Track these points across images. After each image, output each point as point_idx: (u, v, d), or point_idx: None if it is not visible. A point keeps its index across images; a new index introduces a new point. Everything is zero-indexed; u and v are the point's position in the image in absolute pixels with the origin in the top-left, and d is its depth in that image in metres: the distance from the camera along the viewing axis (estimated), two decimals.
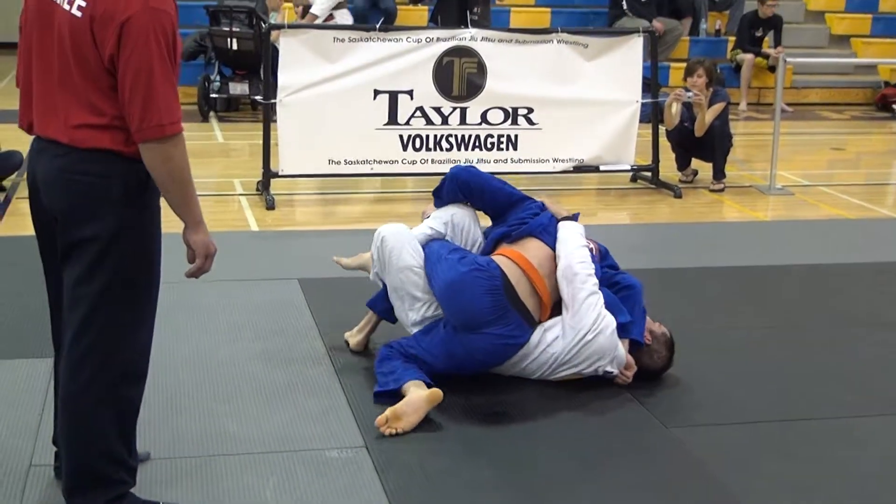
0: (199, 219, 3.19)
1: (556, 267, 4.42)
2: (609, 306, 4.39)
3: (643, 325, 4.51)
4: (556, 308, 4.44)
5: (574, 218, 4.63)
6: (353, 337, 4.82)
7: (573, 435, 4.08)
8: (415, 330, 4.47)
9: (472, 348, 4.28)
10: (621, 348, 4.38)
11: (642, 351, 4.50)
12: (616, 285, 4.55)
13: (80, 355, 3.14)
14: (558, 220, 4.57)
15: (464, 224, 4.71)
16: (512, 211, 4.69)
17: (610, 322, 4.34)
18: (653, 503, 3.61)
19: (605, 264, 4.63)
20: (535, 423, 4.15)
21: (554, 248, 4.47)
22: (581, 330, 4.31)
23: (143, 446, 3.83)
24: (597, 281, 4.39)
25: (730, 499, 3.63)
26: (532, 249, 4.48)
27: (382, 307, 4.70)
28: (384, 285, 4.64)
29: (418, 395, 4.11)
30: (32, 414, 4.07)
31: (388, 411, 4.04)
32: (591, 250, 4.50)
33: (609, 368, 4.39)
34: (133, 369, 3.26)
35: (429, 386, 4.19)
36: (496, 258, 4.41)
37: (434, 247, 4.51)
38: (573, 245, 4.44)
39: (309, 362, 4.68)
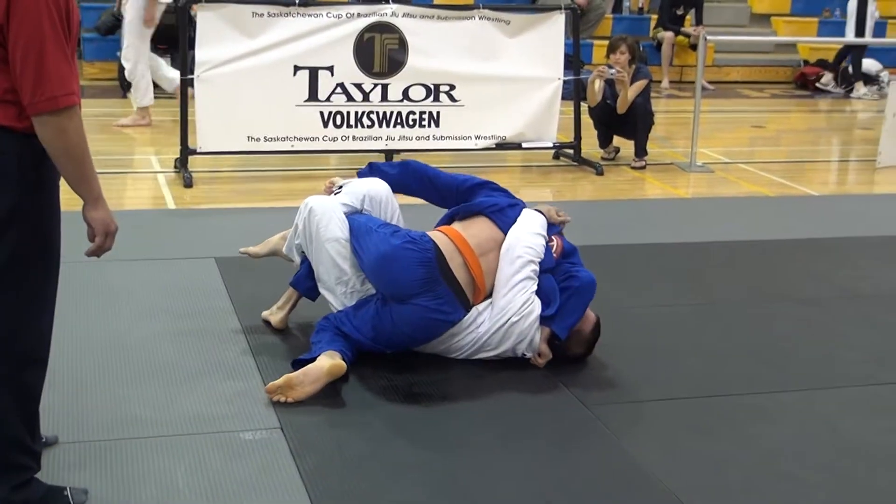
0: (98, 194, 3.05)
1: (499, 249, 4.39)
2: (544, 294, 4.36)
3: (573, 320, 4.41)
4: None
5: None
6: (275, 315, 4.73)
7: (494, 415, 4.04)
8: (339, 302, 4.40)
9: (400, 320, 4.23)
10: (537, 336, 4.36)
11: (569, 336, 4.47)
12: (567, 278, 4.45)
13: None
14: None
15: (381, 197, 4.63)
16: (471, 195, 4.65)
17: (535, 309, 4.33)
18: (572, 481, 3.58)
19: (568, 261, 4.55)
20: (456, 404, 4.10)
21: (504, 232, 4.43)
22: (508, 312, 4.30)
23: (49, 430, 3.73)
24: (536, 269, 4.35)
25: (647, 475, 3.61)
26: (475, 228, 4.46)
27: (306, 286, 4.63)
28: (306, 263, 4.56)
29: (319, 366, 4.04)
30: None
31: (282, 379, 3.99)
32: (548, 244, 4.46)
33: (526, 352, 4.38)
34: (33, 355, 3.13)
35: (347, 360, 4.13)
36: (431, 233, 4.38)
37: (360, 220, 4.44)
38: (525, 230, 4.42)
39: (224, 343, 4.59)
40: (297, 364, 4.17)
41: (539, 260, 4.38)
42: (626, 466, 3.68)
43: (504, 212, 4.51)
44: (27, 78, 2.80)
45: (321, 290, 4.51)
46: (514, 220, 4.49)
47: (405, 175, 4.78)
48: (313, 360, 4.11)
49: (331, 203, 4.50)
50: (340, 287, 4.40)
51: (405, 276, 4.17)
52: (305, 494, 3.39)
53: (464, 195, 4.66)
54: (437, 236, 4.34)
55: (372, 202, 4.60)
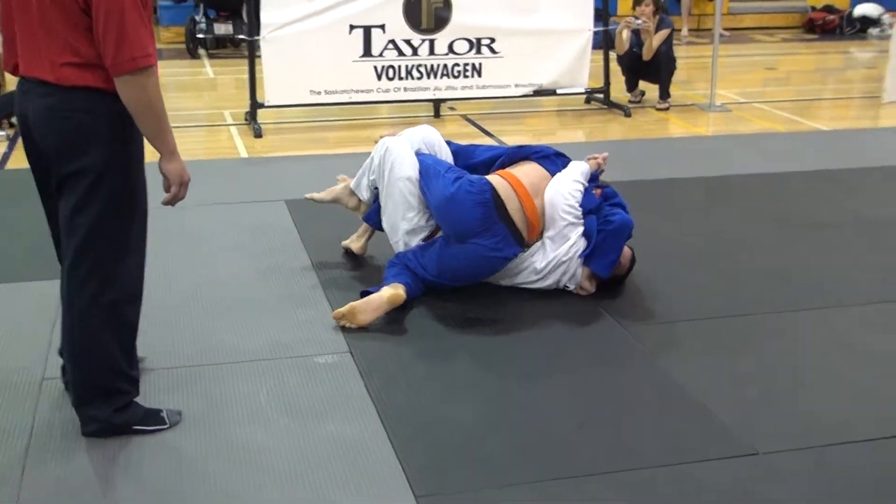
0: (173, 148, 3.05)
1: None
2: (587, 233, 4.31)
3: (611, 259, 4.31)
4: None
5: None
6: (355, 242, 4.74)
7: (540, 338, 4.00)
8: (404, 239, 4.37)
9: (462, 258, 4.20)
10: (580, 271, 4.30)
11: None
12: (605, 221, 4.35)
13: (78, 283, 3.04)
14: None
15: (433, 142, 4.58)
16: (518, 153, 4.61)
17: (579, 249, 4.27)
18: (612, 396, 3.54)
19: (611, 202, 4.47)
20: (506, 329, 4.06)
21: (552, 174, 4.37)
22: (558, 254, 4.26)
23: (143, 356, 3.75)
24: (577, 213, 4.27)
25: (680, 389, 3.56)
26: (525, 171, 4.39)
27: (376, 220, 4.58)
28: (377, 201, 4.51)
29: (380, 295, 4.02)
30: (44, 332, 3.95)
31: (347, 306, 3.97)
32: (587, 189, 4.39)
33: (569, 285, 4.33)
34: (129, 293, 3.15)
35: (409, 291, 4.11)
36: (489, 177, 4.32)
37: (429, 161, 4.40)
38: (567, 178, 4.35)
39: (296, 276, 4.57)
40: (364, 294, 4.14)
41: (577, 204, 4.30)
42: (660, 381, 3.63)
43: (550, 158, 4.45)
44: (110, 42, 2.80)
45: (384, 226, 4.47)
46: (561, 168, 4.42)
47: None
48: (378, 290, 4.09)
49: (405, 144, 4.45)
50: (405, 223, 4.36)
51: (466, 217, 4.12)
52: (374, 411, 3.38)
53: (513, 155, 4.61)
54: (495, 179, 4.28)
55: (428, 147, 4.54)
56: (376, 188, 4.51)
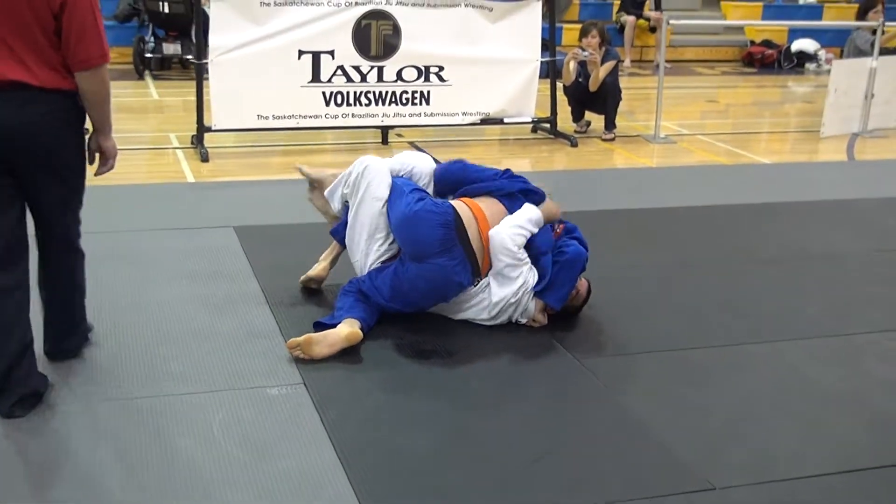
0: (111, 127, 3.60)
1: None
2: (541, 269, 4.30)
3: (565, 291, 4.33)
4: None
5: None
6: (318, 266, 4.64)
7: (495, 370, 3.98)
8: (364, 259, 4.33)
9: (417, 277, 4.16)
10: (532, 306, 4.30)
11: None
12: (558, 252, 4.37)
13: (73, 238, 3.67)
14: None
15: (421, 176, 4.55)
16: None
17: (528, 285, 4.25)
18: (568, 429, 3.53)
19: (569, 236, 4.48)
20: (460, 360, 4.03)
21: (510, 212, 4.33)
22: (506, 296, 4.23)
23: (91, 387, 3.67)
24: (519, 256, 4.23)
25: (637, 423, 3.56)
26: (486, 203, 4.36)
27: (342, 235, 4.51)
28: (345, 216, 4.46)
29: (337, 333, 3.98)
30: None
31: (303, 337, 3.92)
32: (546, 228, 4.38)
33: (521, 319, 4.33)
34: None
35: (365, 328, 4.06)
36: (452, 202, 4.31)
37: (398, 182, 4.38)
38: (512, 222, 4.26)
39: (246, 304, 4.50)
40: (319, 326, 4.09)
41: (517, 247, 4.22)
42: (616, 415, 3.63)
43: (514, 196, 4.40)
44: (83, 45, 3.31)
45: (347, 242, 4.42)
46: (517, 204, 4.37)
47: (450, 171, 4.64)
48: (334, 324, 4.05)
49: (383, 165, 4.42)
50: (370, 243, 4.31)
51: (427, 235, 4.11)
52: (329, 443, 3.33)
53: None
54: (458, 204, 4.27)
55: (413, 175, 4.52)
56: (347, 203, 4.46)
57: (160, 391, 3.65)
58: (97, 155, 3.63)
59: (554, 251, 4.37)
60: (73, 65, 3.31)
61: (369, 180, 4.34)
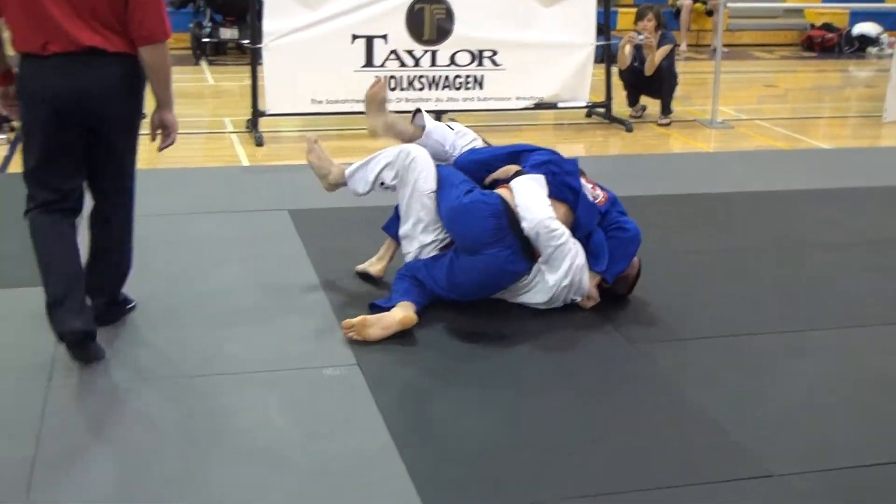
0: (173, 102, 3.85)
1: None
2: (594, 247, 4.28)
3: (621, 268, 4.32)
4: None
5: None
6: (374, 265, 4.61)
7: (548, 353, 3.97)
8: (421, 251, 4.30)
9: (472, 270, 4.14)
10: (586, 282, 4.26)
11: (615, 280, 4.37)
12: (616, 228, 4.35)
13: (127, 198, 3.95)
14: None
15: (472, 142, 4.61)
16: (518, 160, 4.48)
17: (580, 264, 4.20)
18: (622, 414, 3.51)
19: (615, 209, 4.44)
20: (513, 343, 4.02)
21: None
22: (558, 280, 4.19)
23: (148, 366, 3.72)
24: (563, 234, 4.15)
25: (688, 406, 3.53)
26: None
27: (395, 230, 4.49)
28: (396, 209, 4.45)
29: (392, 316, 3.98)
30: (48, 337, 3.89)
31: (358, 318, 3.93)
32: (591, 206, 4.33)
33: (575, 296, 4.28)
34: None
35: (419, 311, 4.07)
36: (499, 191, 4.25)
37: (444, 172, 4.34)
38: (537, 200, 4.16)
39: (301, 286, 4.53)
40: (374, 308, 4.11)
41: (556, 228, 4.13)
42: (672, 400, 3.60)
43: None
44: (147, 20, 3.62)
45: (401, 235, 4.39)
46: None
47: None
48: (389, 308, 4.06)
49: (428, 156, 4.37)
50: (424, 235, 4.29)
51: (478, 227, 4.08)
52: (383, 424, 3.34)
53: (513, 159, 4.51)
54: (505, 193, 4.22)
55: (458, 145, 4.57)
56: (384, 188, 4.42)
57: (217, 370, 3.70)
58: (160, 130, 3.87)
59: (611, 225, 4.34)
60: (136, 39, 3.64)
61: (417, 174, 4.30)
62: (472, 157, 4.50)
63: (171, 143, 3.91)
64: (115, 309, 4.08)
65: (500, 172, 4.34)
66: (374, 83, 4.81)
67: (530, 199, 4.16)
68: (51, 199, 3.74)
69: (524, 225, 4.12)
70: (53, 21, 3.55)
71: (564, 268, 4.19)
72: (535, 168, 4.30)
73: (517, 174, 4.27)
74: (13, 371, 3.65)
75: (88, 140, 3.74)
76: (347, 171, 4.52)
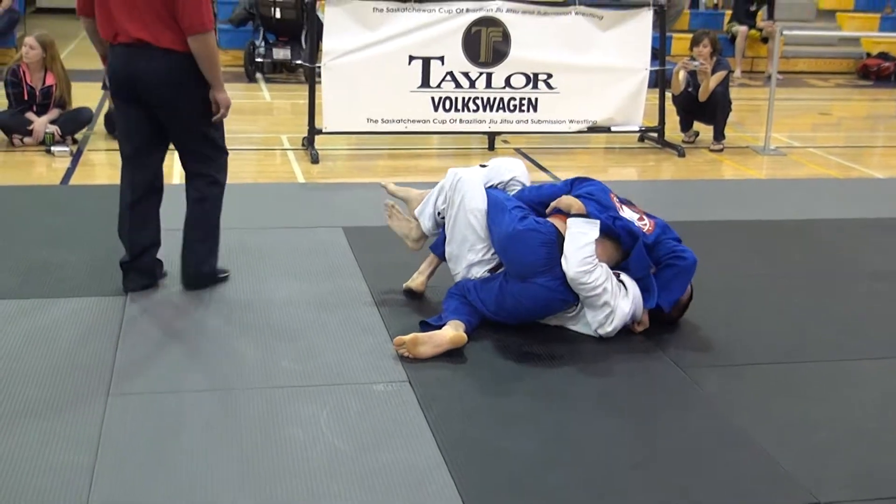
0: (223, 83, 4.42)
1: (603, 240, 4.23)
2: (643, 285, 4.28)
3: (677, 296, 4.36)
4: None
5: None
6: (416, 280, 4.67)
7: (596, 374, 4.00)
8: (467, 271, 4.35)
9: (521, 296, 4.18)
10: (639, 311, 4.28)
11: None
12: (674, 257, 4.36)
13: (200, 173, 4.58)
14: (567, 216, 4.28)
15: (522, 184, 4.62)
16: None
17: (624, 312, 4.21)
18: (669, 438, 3.53)
19: (667, 237, 4.43)
20: (561, 363, 4.06)
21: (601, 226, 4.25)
22: (598, 319, 4.23)
23: (208, 378, 3.81)
24: (598, 283, 4.13)
25: (735, 432, 3.55)
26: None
27: (442, 250, 4.55)
28: (443, 230, 4.50)
29: (443, 334, 4.04)
30: (108, 347, 4.01)
31: (410, 336, 3.99)
32: (644, 229, 4.35)
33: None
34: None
35: (469, 330, 4.12)
36: (552, 220, 4.29)
37: (499, 196, 4.38)
38: (577, 250, 4.12)
39: (354, 302, 4.61)
40: (425, 325, 4.17)
41: (589, 273, 4.11)
42: (720, 425, 3.61)
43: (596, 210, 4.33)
44: (189, 14, 4.21)
45: (447, 256, 4.46)
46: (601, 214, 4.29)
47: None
48: (440, 326, 4.12)
49: (477, 176, 4.45)
50: (471, 255, 4.34)
51: (530, 255, 4.12)
52: (433, 439, 3.40)
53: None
54: (557, 222, 4.26)
55: (513, 184, 4.58)
56: (442, 217, 4.52)
57: (272, 384, 3.77)
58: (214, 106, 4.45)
59: (669, 254, 4.35)
60: (183, 30, 4.23)
61: (463, 193, 4.35)
62: (532, 197, 4.51)
63: (222, 117, 4.47)
64: (203, 278, 4.67)
65: (563, 205, 4.31)
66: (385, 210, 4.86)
67: (571, 247, 4.12)
68: (128, 154, 4.53)
69: (563, 264, 4.13)
70: (115, 16, 4.28)
71: (605, 313, 4.20)
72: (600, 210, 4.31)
73: (577, 214, 4.24)
74: (74, 379, 3.75)
75: (154, 118, 4.44)
76: (416, 210, 4.64)
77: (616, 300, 4.20)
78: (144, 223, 4.58)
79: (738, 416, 3.66)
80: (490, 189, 4.45)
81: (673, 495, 3.13)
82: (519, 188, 4.58)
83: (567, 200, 4.32)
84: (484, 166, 4.64)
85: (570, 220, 4.20)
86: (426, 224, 4.62)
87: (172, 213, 4.72)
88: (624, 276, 4.30)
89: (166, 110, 4.41)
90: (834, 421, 3.67)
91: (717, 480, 3.23)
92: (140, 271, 4.59)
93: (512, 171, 4.62)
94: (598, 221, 4.20)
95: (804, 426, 3.62)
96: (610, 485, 3.18)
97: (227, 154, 4.66)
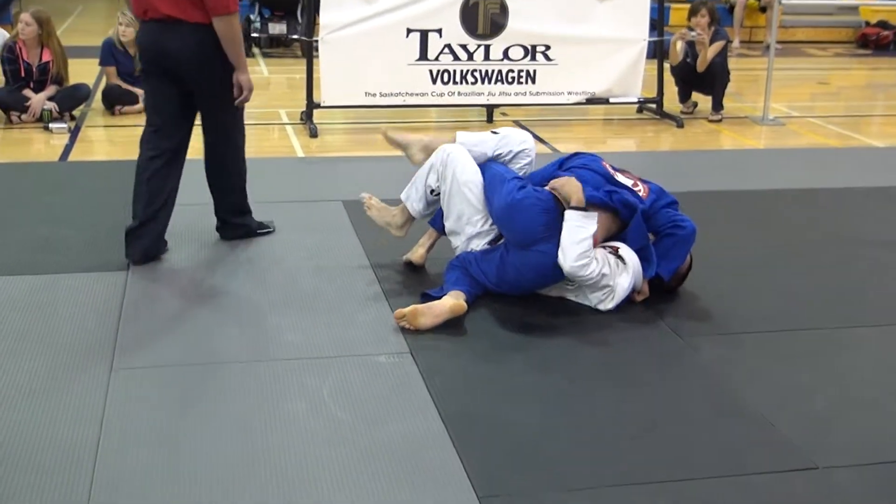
0: (246, 64, 4.61)
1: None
2: (642, 255, 4.29)
3: (677, 264, 4.38)
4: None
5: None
6: (415, 252, 4.69)
7: (597, 343, 4.03)
8: (467, 244, 4.38)
9: (523, 265, 4.19)
10: (640, 280, 4.29)
11: None
12: (673, 226, 4.38)
13: (225, 136, 4.86)
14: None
15: (530, 156, 4.60)
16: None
17: (622, 285, 4.23)
18: (670, 405, 3.56)
19: (663, 203, 4.43)
20: (561, 332, 4.09)
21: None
22: (597, 296, 4.26)
23: (210, 352, 3.83)
24: (600, 273, 4.15)
25: (734, 399, 3.58)
26: None
27: (440, 224, 4.57)
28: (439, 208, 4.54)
29: (442, 304, 4.06)
30: (110, 322, 4.03)
31: (410, 308, 4.01)
32: (638, 196, 4.34)
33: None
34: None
35: (469, 300, 4.14)
36: (550, 189, 4.31)
37: (497, 168, 4.40)
38: (573, 244, 4.10)
39: (355, 276, 4.63)
40: (425, 297, 4.19)
41: (586, 265, 4.12)
42: (719, 392, 3.64)
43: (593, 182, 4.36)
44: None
45: (447, 231, 4.50)
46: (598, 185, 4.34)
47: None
48: (440, 296, 4.14)
49: (465, 152, 4.46)
50: (469, 227, 4.38)
51: (530, 223, 4.14)
52: (435, 410, 3.42)
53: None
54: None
55: (521, 155, 4.58)
56: (435, 195, 4.54)
57: (273, 356, 3.80)
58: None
59: (668, 223, 4.37)
60: (208, 11, 4.41)
61: (454, 168, 4.37)
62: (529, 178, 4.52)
63: (244, 100, 4.66)
64: (230, 227, 5.02)
65: (563, 192, 4.21)
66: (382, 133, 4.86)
67: (568, 241, 4.10)
68: (157, 125, 4.73)
69: (559, 258, 4.13)
70: None
71: (604, 291, 4.24)
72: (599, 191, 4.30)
73: (575, 207, 4.16)
74: (77, 354, 3.77)
75: (184, 91, 4.63)
76: (403, 194, 4.64)
77: (615, 279, 4.23)
78: (159, 192, 4.69)
79: (737, 384, 3.69)
80: (489, 162, 4.46)
81: (673, 463, 3.16)
82: (526, 161, 4.58)
83: (567, 188, 4.20)
84: (496, 133, 4.63)
85: (567, 213, 4.14)
86: (416, 207, 4.61)
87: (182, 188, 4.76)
88: (623, 249, 4.32)
89: (193, 84, 4.60)
90: (831, 387, 3.70)
91: (716, 448, 3.26)
92: (143, 239, 4.67)
93: (523, 142, 4.61)
94: (596, 215, 4.15)
95: (802, 393, 3.65)
96: (610, 454, 3.21)
97: (243, 121, 4.94)
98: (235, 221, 5.02)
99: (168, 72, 4.58)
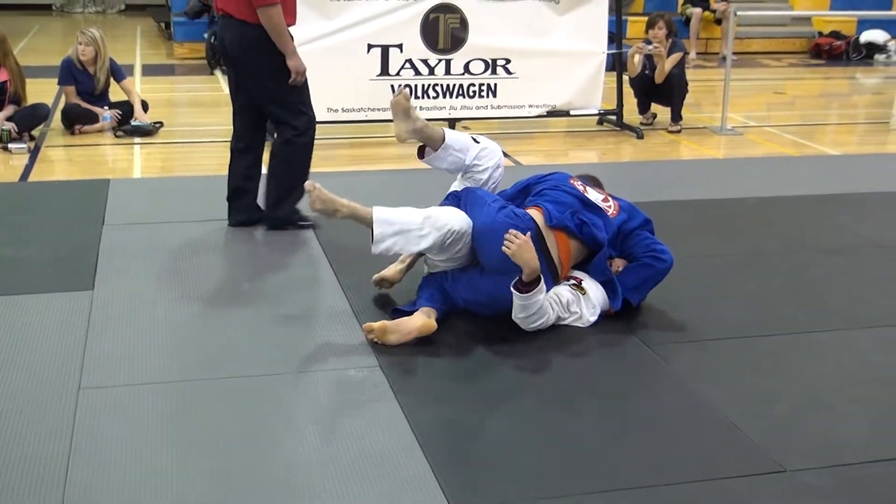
0: (294, 51, 5.17)
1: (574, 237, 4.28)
2: (606, 287, 4.31)
3: (646, 292, 4.42)
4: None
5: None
6: (391, 269, 4.57)
7: (568, 355, 4.05)
8: (441, 263, 4.31)
9: (497, 289, 4.09)
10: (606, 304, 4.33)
11: None
12: (652, 256, 4.39)
13: (283, 143, 5.37)
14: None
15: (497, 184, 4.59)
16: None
17: (589, 321, 4.27)
18: (639, 409, 3.61)
19: (637, 224, 4.44)
20: (530, 348, 4.09)
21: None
22: (566, 322, 4.27)
23: (177, 370, 3.82)
24: (551, 315, 4.16)
25: (704, 406, 3.63)
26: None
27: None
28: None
29: (412, 322, 4.04)
30: (77, 341, 4.01)
31: (379, 323, 4.00)
32: (606, 217, 4.35)
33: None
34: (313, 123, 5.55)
35: (440, 318, 4.14)
36: (529, 211, 4.28)
37: (478, 192, 4.32)
38: (516, 316, 4.11)
39: (323, 290, 4.64)
40: (397, 312, 4.19)
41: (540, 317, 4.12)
42: (688, 399, 3.69)
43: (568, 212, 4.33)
44: None
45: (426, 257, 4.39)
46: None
47: None
48: (412, 311, 4.13)
49: (453, 212, 4.22)
50: (444, 252, 4.21)
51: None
52: (407, 424, 3.44)
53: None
54: (535, 214, 4.24)
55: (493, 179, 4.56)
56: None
57: (242, 373, 3.80)
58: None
59: (647, 252, 4.39)
60: (252, 4, 4.93)
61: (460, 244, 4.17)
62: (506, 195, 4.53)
63: (296, 83, 5.17)
64: (270, 219, 5.44)
65: (512, 256, 3.95)
66: (398, 91, 4.88)
67: (514, 313, 4.09)
68: (234, 110, 5.40)
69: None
70: None
71: (573, 318, 4.27)
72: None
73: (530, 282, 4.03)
74: (44, 374, 3.75)
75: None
76: (378, 233, 4.13)
77: (580, 306, 4.26)
78: (241, 167, 5.43)
79: (705, 390, 3.74)
80: (473, 189, 4.41)
81: (645, 470, 3.20)
82: (497, 176, 4.55)
83: (520, 258, 3.92)
84: (476, 141, 4.57)
85: (514, 292, 4.02)
86: (379, 250, 4.16)
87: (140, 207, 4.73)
88: (587, 283, 4.32)
89: (243, 75, 5.20)
90: (795, 392, 3.77)
91: (686, 453, 3.31)
92: (236, 209, 5.45)
93: (499, 159, 4.57)
94: (544, 288, 4.06)
95: (767, 397, 3.71)
96: (583, 462, 3.24)
97: (307, 116, 5.35)
98: (279, 212, 5.44)
99: (229, 62, 5.28)
